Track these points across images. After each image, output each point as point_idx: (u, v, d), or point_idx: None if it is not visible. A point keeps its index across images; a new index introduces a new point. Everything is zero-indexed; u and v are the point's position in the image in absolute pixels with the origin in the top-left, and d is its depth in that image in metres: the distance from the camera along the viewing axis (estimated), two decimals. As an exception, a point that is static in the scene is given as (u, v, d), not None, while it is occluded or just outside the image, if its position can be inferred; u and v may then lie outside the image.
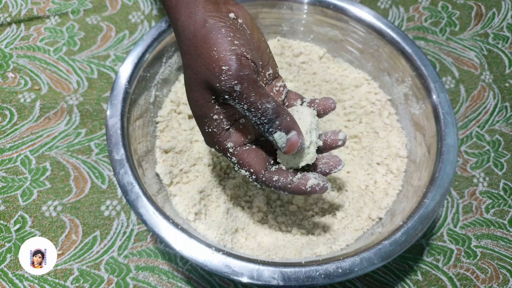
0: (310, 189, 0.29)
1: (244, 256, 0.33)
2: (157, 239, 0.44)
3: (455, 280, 0.43)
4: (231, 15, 0.29)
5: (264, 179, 0.30)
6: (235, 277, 0.32)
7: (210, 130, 0.30)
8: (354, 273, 0.32)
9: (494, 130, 0.52)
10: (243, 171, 0.30)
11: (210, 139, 0.30)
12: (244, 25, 0.30)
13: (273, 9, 0.48)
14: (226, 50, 0.27)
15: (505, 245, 0.45)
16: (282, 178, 0.30)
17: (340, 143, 0.32)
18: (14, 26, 0.56)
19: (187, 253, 0.33)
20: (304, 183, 0.29)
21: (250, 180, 0.31)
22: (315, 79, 0.49)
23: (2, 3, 0.57)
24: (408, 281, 0.43)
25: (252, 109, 0.27)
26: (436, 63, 0.57)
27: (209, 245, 0.33)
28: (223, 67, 0.26)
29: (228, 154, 0.30)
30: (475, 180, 0.49)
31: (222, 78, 0.26)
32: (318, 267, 0.32)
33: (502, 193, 0.48)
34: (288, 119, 0.28)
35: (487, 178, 0.49)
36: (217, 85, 0.27)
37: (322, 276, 0.32)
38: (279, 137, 0.28)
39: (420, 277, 0.43)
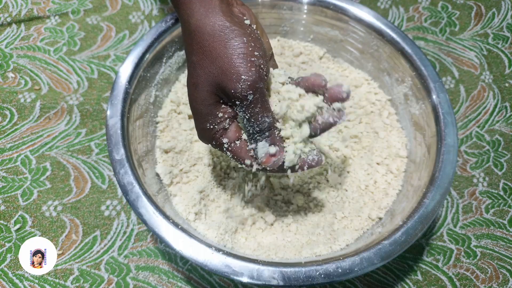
0: (307, 165, 0.31)
1: (244, 256, 0.33)
2: (157, 239, 0.44)
3: (455, 280, 0.43)
4: (247, 21, 0.31)
5: (260, 167, 0.31)
6: (235, 277, 0.32)
7: (211, 127, 0.31)
8: (354, 273, 0.32)
9: (494, 130, 0.52)
10: (239, 164, 0.32)
11: (208, 135, 0.31)
12: (257, 31, 0.31)
13: (273, 9, 0.48)
14: (247, 61, 0.28)
15: (505, 245, 0.45)
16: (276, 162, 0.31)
17: (344, 95, 0.32)
18: (14, 26, 0.56)
19: (187, 253, 0.33)
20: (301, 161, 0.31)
21: (248, 169, 0.32)
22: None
23: (2, 3, 0.57)
24: (408, 281, 0.43)
25: (252, 119, 0.29)
26: (436, 63, 0.57)
27: (209, 245, 0.33)
28: (243, 76, 0.28)
29: (224, 149, 0.31)
30: (475, 180, 0.49)
31: (239, 86, 0.28)
32: (318, 267, 0.32)
33: (502, 193, 0.48)
34: (277, 135, 0.30)
35: (487, 178, 0.49)
36: (232, 90, 0.28)
37: (322, 276, 0.32)
38: (262, 146, 0.30)
39: (420, 277, 0.43)
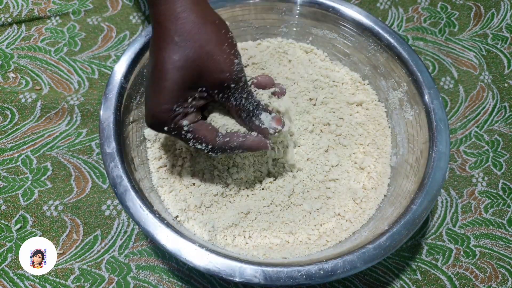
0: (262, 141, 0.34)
1: (227, 254, 0.34)
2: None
3: (454, 279, 0.43)
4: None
5: (219, 145, 0.34)
6: (217, 274, 0.32)
7: (176, 109, 0.31)
8: (336, 275, 0.32)
9: (493, 130, 0.52)
10: (198, 145, 0.33)
11: (167, 117, 0.31)
12: None
13: (272, 11, 0.48)
14: (234, 50, 0.31)
15: (504, 244, 0.45)
16: (235, 138, 0.34)
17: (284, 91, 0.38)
18: (15, 26, 0.56)
19: (171, 248, 0.33)
20: (256, 138, 0.34)
21: (206, 151, 0.34)
22: (313, 82, 0.49)
23: (3, 4, 0.58)
24: (407, 280, 0.43)
25: (249, 97, 0.33)
26: (435, 63, 0.57)
27: (193, 241, 0.33)
28: (235, 60, 0.31)
29: (183, 132, 0.32)
30: (474, 180, 0.49)
31: (235, 68, 0.31)
32: (300, 268, 0.32)
33: (501, 192, 0.48)
34: (264, 105, 0.35)
35: (486, 178, 0.49)
36: (227, 74, 0.30)
37: (304, 277, 0.32)
38: (265, 116, 0.34)
39: (419, 277, 0.43)
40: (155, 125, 0.32)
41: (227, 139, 0.34)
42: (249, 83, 0.35)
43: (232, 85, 0.31)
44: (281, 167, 0.42)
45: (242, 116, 0.34)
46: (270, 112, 0.34)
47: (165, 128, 0.32)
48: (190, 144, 0.33)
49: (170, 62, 0.30)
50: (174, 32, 0.30)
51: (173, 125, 0.32)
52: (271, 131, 0.34)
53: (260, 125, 0.34)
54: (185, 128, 0.32)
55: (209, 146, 0.33)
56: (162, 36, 0.31)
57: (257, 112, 0.33)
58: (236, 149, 0.34)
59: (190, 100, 0.31)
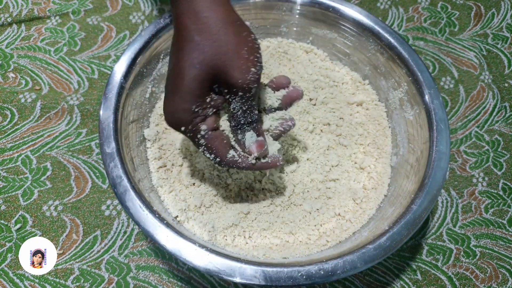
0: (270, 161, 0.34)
1: (227, 254, 0.34)
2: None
3: (454, 279, 0.43)
4: (247, 22, 0.32)
5: (227, 162, 0.33)
6: (217, 274, 0.32)
7: (196, 110, 0.31)
8: (336, 275, 0.32)
9: (493, 130, 0.52)
10: (207, 154, 0.33)
11: (187, 118, 0.31)
12: None
13: (272, 11, 0.48)
14: (254, 56, 0.29)
15: (504, 244, 0.45)
16: (245, 159, 0.33)
17: (300, 97, 0.36)
18: (15, 26, 0.56)
19: (170, 248, 0.33)
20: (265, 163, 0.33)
21: (213, 162, 0.33)
22: (313, 82, 0.49)
23: (3, 3, 0.58)
24: (407, 280, 0.43)
25: (248, 111, 0.31)
26: (435, 63, 0.57)
27: (193, 241, 0.33)
28: (252, 69, 0.29)
29: (199, 136, 0.31)
30: (474, 180, 0.49)
31: (247, 77, 0.29)
32: (300, 268, 0.32)
33: (501, 193, 0.48)
34: (260, 126, 0.33)
35: (486, 178, 0.49)
36: (240, 80, 0.29)
37: (304, 277, 0.32)
38: (250, 136, 0.32)
39: (419, 277, 0.43)
40: (173, 124, 0.32)
41: (237, 159, 0.33)
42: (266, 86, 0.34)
43: (240, 93, 0.29)
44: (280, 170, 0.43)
45: (231, 123, 0.33)
46: (258, 135, 0.33)
47: (182, 128, 0.31)
48: (200, 150, 0.33)
49: (189, 61, 0.29)
50: (195, 31, 0.29)
51: (191, 126, 0.31)
52: (247, 151, 0.33)
53: (242, 140, 0.32)
54: (202, 133, 0.31)
55: (217, 159, 0.33)
56: (183, 35, 0.30)
57: (246, 127, 0.32)
58: (245, 169, 0.33)
59: (208, 100, 0.31)
